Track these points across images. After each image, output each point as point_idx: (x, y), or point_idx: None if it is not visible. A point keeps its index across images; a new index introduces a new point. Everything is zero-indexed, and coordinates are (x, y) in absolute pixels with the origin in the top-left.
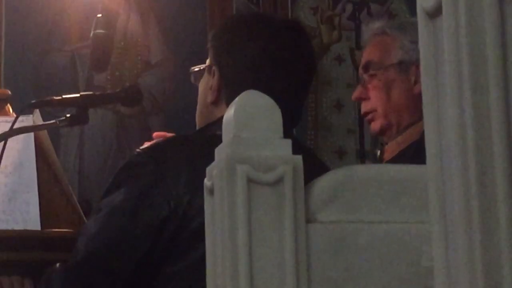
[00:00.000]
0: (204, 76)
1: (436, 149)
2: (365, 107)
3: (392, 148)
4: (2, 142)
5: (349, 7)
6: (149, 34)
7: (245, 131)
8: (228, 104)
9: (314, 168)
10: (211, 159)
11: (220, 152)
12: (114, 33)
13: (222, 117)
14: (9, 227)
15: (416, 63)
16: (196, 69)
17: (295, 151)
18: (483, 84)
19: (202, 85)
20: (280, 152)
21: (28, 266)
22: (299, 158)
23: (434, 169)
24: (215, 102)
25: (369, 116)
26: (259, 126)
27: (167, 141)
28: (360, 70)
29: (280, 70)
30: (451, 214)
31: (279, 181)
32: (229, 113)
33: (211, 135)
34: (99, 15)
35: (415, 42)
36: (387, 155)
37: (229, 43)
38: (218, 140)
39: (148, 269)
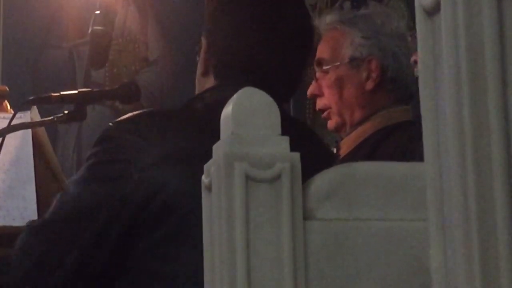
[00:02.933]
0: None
1: (434, 147)
2: (319, 103)
3: (347, 144)
4: (0, 139)
5: (347, 5)
6: (147, 31)
7: (243, 128)
8: (214, 73)
9: (311, 146)
10: (189, 133)
11: (217, 149)
12: (112, 30)
13: (205, 90)
14: (7, 224)
15: (368, 59)
16: (198, 46)
17: (286, 126)
18: (481, 82)
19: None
20: (278, 149)
21: None
22: (297, 155)
23: (432, 167)
24: (204, 73)
25: (325, 114)
26: (257, 124)
27: (141, 114)
28: (314, 66)
29: (268, 37)
30: (449, 212)
31: (276, 178)
32: (227, 110)
33: (189, 110)
34: (97, 12)
35: (366, 37)
36: (343, 151)
37: (215, 12)
38: (195, 113)
39: (111, 245)
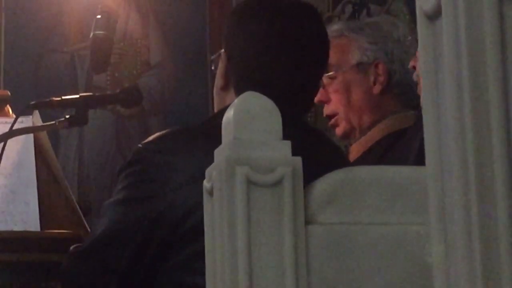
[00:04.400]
0: (219, 63)
1: (436, 151)
2: (327, 110)
3: (357, 149)
4: (2, 143)
5: (349, 8)
6: (149, 35)
7: (245, 132)
8: (235, 88)
9: (326, 151)
10: (212, 150)
11: (219, 154)
12: (114, 34)
13: (227, 106)
14: (9, 228)
15: (375, 63)
16: (214, 56)
17: (305, 135)
18: (482, 86)
19: (217, 72)
20: (280, 153)
21: (27, 267)
22: (298, 159)
23: (433, 171)
24: (224, 88)
25: (332, 121)
26: (259, 128)
27: (167, 133)
28: None
29: (287, 51)
30: (450, 216)
31: (278, 182)
32: (229, 115)
33: (213, 126)
34: (99, 16)
35: (372, 42)
36: (352, 156)
37: (235, 26)
38: (218, 130)
39: (146, 263)
